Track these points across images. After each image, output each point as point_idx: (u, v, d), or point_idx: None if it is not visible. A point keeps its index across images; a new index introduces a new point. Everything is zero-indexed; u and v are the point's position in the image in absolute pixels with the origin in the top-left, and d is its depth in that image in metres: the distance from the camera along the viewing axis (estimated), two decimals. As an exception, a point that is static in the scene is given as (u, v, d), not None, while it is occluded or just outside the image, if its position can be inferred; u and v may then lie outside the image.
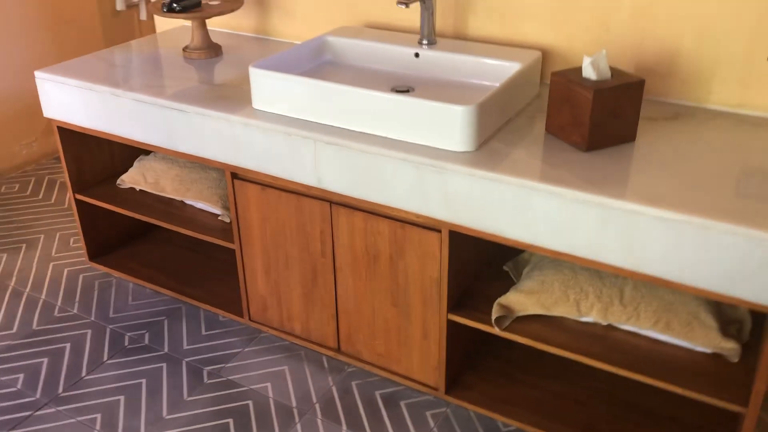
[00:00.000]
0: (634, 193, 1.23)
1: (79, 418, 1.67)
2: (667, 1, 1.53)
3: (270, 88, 1.56)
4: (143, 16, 3.24)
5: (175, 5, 1.86)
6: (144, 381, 1.78)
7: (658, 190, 1.24)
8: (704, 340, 1.38)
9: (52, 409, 1.69)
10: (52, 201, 2.62)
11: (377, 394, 1.72)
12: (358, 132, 1.48)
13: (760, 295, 1.16)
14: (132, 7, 3.21)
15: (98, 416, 1.67)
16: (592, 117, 1.35)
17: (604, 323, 1.46)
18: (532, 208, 1.31)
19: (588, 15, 1.64)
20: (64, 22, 2.91)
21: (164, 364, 1.83)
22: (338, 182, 1.51)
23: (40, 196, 2.66)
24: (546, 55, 1.72)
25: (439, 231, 1.45)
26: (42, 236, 2.40)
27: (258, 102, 1.60)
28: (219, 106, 1.62)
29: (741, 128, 1.48)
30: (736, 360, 1.36)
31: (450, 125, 1.38)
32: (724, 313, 1.45)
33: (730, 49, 1.51)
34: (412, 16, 1.86)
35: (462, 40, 1.80)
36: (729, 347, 1.36)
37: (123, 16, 3.21)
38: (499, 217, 1.35)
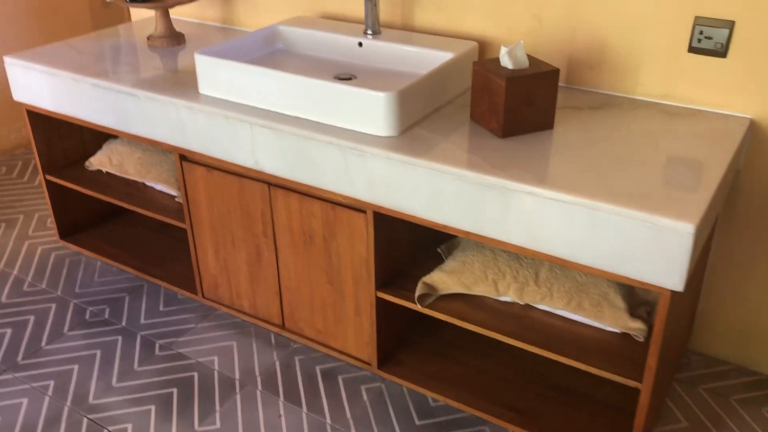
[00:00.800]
0: (533, 176, 1.30)
1: (34, 384, 1.76)
2: (594, -6, 1.59)
3: (213, 74, 1.64)
4: (132, 6, 3.33)
5: (136, -5, 1.95)
6: (98, 352, 1.87)
7: (560, 173, 1.30)
8: (613, 320, 1.43)
9: (9, 376, 1.79)
10: (36, 184, 2.73)
11: (317, 368, 1.80)
12: (292, 116, 1.56)
13: (645, 274, 1.22)
14: (122, -3, 3.31)
15: (51, 383, 1.77)
16: (506, 104, 1.42)
17: (522, 303, 1.52)
18: (442, 190, 1.37)
19: (524, 7, 1.70)
20: (52, 12, 3.02)
21: (119, 337, 1.92)
22: (274, 164, 1.59)
23: (25, 179, 2.77)
24: (486, 46, 1.78)
25: (365, 212, 1.53)
26: (21, 216, 2.51)
27: (203, 87, 1.68)
28: (167, 91, 1.70)
29: (660, 118, 1.53)
30: (642, 340, 1.42)
31: (374, 111, 1.45)
32: (636, 295, 1.50)
33: (654, 41, 1.56)
34: (362, 8, 1.92)
35: (408, 31, 1.87)
36: (636, 327, 1.42)
37: (112, 5, 3.31)
38: (414, 199, 1.42)
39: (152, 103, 1.72)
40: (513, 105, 1.42)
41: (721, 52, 1.50)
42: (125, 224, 2.32)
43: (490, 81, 1.44)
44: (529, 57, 1.48)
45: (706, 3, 1.48)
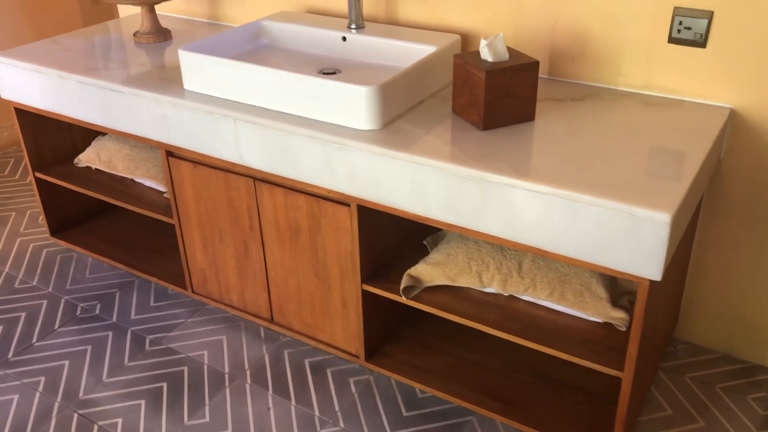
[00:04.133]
0: (511, 168, 1.31)
1: (25, 381, 1.78)
2: (575, -15, 1.60)
3: (197, 70, 1.65)
4: None
5: (121, -8, 1.95)
6: (89, 348, 1.89)
7: (538, 165, 1.31)
8: (595, 310, 1.45)
9: (0, 372, 1.81)
10: (27, 181, 2.74)
11: (306, 361, 1.82)
12: (275, 111, 1.56)
13: (624, 264, 1.23)
14: (111, -6, 3.31)
15: (42, 379, 1.78)
16: (486, 97, 1.42)
17: (505, 294, 1.53)
18: (423, 182, 1.38)
19: (505, 0, 1.70)
20: (42, 8, 3.02)
21: (110, 333, 1.94)
22: (258, 159, 1.60)
23: (17, 177, 2.78)
24: (469, 39, 1.79)
25: (348, 205, 1.54)
26: (13, 213, 2.52)
27: (188, 83, 1.69)
28: (152, 87, 1.71)
29: (641, 108, 1.54)
30: (624, 329, 1.43)
31: (356, 105, 1.46)
32: (619, 285, 1.51)
33: (635, 32, 1.57)
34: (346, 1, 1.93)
35: (392, 25, 1.87)
36: (618, 317, 1.43)
37: (101, 2, 3.31)
38: (396, 192, 1.43)
39: (137, 100, 1.73)
40: (493, 97, 1.43)
41: (701, 42, 1.51)
42: (115, 220, 2.33)
43: (470, 74, 1.45)
44: (510, 49, 1.48)
45: (686, -7, 1.49)
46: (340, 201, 1.55)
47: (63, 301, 2.07)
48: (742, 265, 1.68)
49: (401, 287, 1.56)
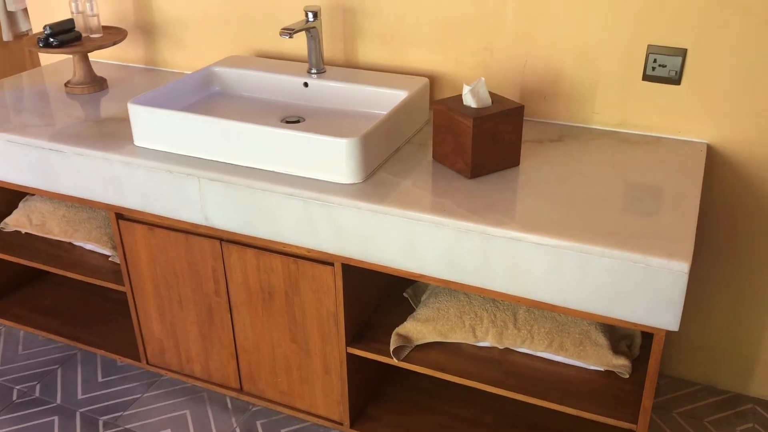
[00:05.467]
0: (514, 220, 1.24)
1: (-40, 485, 1.56)
2: (546, 24, 1.57)
3: (151, 125, 1.51)
4: (6, 36, 3.04)
5: (52, 40, 1.77)
6: (33, 438, 1.68)
7: (537, 215, 1.26)
8: (596, 358, 1.40)
9: (-71, 478, 1.57)
10: (-63, 246, 2.46)
11: (283, 432, 1.68)
12: (244, 167, 1.44)
13: (639, 315, 1.18)
14: (21, 36, 3.07)
15: (-19, 481, 1.57)
16: (474, 144, 1.36)
17: (501, 347, 1.46)
18: (417, 238, 1.30)
19: (472, 40, 1.65)
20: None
21: (56, 417, 1.73)
22: (226, 220, 1.47)
23: (-76, 242, 2.49)
24: (434, 80, 1.73)
25: (332, 264, 1.43)
26: (-76, 285, 2.24)
27: (139, 139, 1.54)
28: (99, 145, 1.55)
29: (621, 147, 1.52)
30: (627, 376, 1.38)
31: (335, 158, 1.36)
32: (615, 329, 1.47)
33: (608, 70, 1.56)
34: (301, 44, 1.83)
35: (352, 68, 1.79)
36: (620, 364, 1.38)
37: (12, 46, 3.06)
38: (387, 249, 1.34)
39: (82, 159, 1.56)
40: (480, 145, 1.37)
41: (675, 79, 1.51)
42: (47, 287, 2.11)
43: (454, 121, 1.38)
44: (490, 93, 1.43)
45: (658, 32, 1.48)
46: (322, 260, 1.44)
47: (-5, 384, 1.84)
48: (721, 295, 1.68)
49: (391, 348, 1.46)
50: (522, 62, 1.63)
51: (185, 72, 2.03)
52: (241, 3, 1.86)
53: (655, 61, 1.51)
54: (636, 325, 1.20)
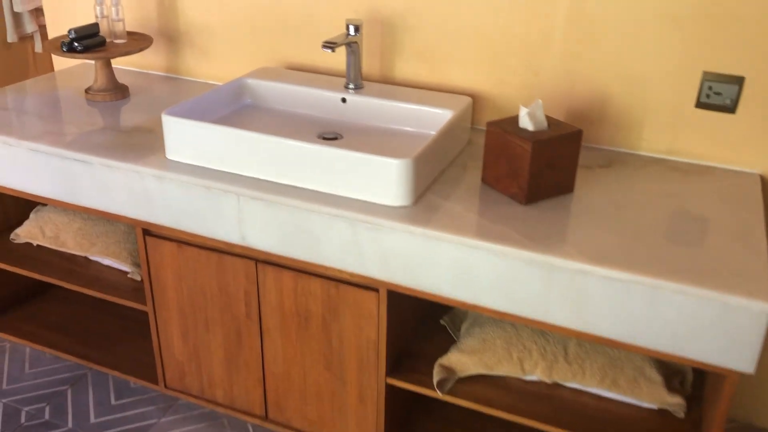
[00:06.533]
0: (578, 251, 1.18)
1: None
2: (596, 47, 1.52)
3: (186, 138, 1.43)
4: (38, 48, 3.01)
5: (76, 45, 1.69)
6: (44, 465, 1.58)
7: (602, 246, 1.20)
8: (650, 396, 1.34)
9: (-66, 507, 1.47)
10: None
11: (309, 463, 1.60)
12: (286, 185, 1.37)
13: (711, 355, 1.13)
14: (25, 38, 2.98)
15: None
16: (531, 169, 1.30)
17: (549, 381, 1.40)
18: (472, 267, 1.23)
19: (517, 60, 1.60)
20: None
21: (68, 443, 1.64)
22: (265, 240, 1.40)
23: None
24: (475, 99, 1.67)
25: (377, 290, 1.36)
26: None
27: (172, 152, 1.46)
28: (128, 157, 1.47)
29: (672, 176, 1.47)
30: (682, 415, 1.33)
31: (385, 179, 1.29)
32: (667, 365, 1.42)
33: (659, 96, 1.51)
34: (334, 57, 1.77)
35: (389, 84, 1.73)
36: (675, 402, 1.33)
37: (15, 48, 2.97)
38: (438, 277, 1.27)
39: (109, 171, 1.48)
40: (537, 170, 1.31)
41: (731, 107, 1.47)
42: (56, 302, 2.02)
43: (510, 144, 1.32)
44: (546, 116, 1.38)
45: (715, 58, 1.44)
46: (366, 285, 1.37)
47: (0, 405, 1.74)
48: None
49: (435, 380, 1.39)
50: (569, 85, 1.58)
51: (209, 82, 1.96)
52: (272, 13, 1.80)
53: (710, 88, 1.46)
54: (705, 365, 1.14)
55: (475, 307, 1.27)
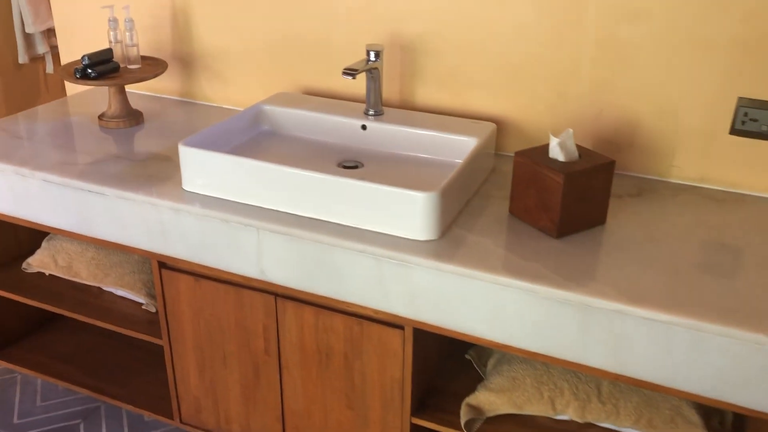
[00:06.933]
0: (615, 290, 1.13)
1: None
2: (626, 72, 1.47)
3: (203, 169, 1.39)
4: (49, 69, 2.98)
5: (90, 71, 1.66)
6: (57, 505, 1.53)
7: (639, 283, 1.15)
8: (688, 437, 1.28)
9: None
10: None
11: (330, 503, 1.54)
12: (307, 217, 1.33)
13: (757, 401, 1.07)
14: (36, 58, 2.95)
15: None
16: (563, 202, 1.25)
17: (582, 421, 1.34)
18: (503, 305, 1.18)
19: (544, 85, 1.56)
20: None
21: (81, 482, 1.59)
22: (285, 274, 1.35)
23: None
24: (498, 125, 1.62)
25: (402, 328, 1.31)
26: (-68, 324, 2.09)
27: (189, 183, 1.42)
28: (143, 188, 1.43)
29: (707, 205, 1.42)
30: (721, 458, 1.27)
31: (411, 213, 1.25)
32: (705, 404, 1.36)
33: (692, 122, 1.46)
34: (353, 82, 1.73)
35: (409, 109, 1.69)
36: (714, 444, 1.27)
37: (26, 68, 2.94)
38: (469, 315, 1.22)
39: (125, 203, 1.44)
40: (569, 202, 1.26)
41: (767, 134, 1.41)
42: (68, 332, 1.97)
43: (540, 176, 1.27)
44: (577, 146, 1.33)
45: (750, 84, 1.39)
46: (391, 323, 1.32)
47: (12, 440, 1.70)
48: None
49: (462, 421, 1.34)
50: (596, 110, 1.53)
51: (224, 106, 1.92)
52: (288, 37, 1.76)
53: (745, 114, 1.41)
54: (753, 411, 1.09)
55: (506, 347, 1.22)
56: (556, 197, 1.26)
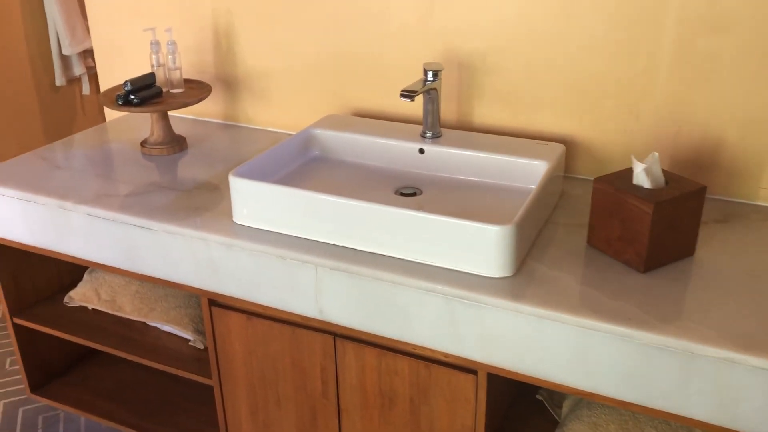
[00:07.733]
0: (719, 334, 1.01)
1: None
2: (707, 87, 1.36)
3: (255, 201, 1.30)
4: (86, 90, 2.94)
5: (132, 97, 1.59)
6: None
7: (745, 326, 1.03)
8: (795, 491, 1.15)
9: None
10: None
11: None
12: (369, 252, 1.23)
13: None
14: (73, 80, 2.92)
15: None
16: (652, 233, 1.14)
17: (672, 472, 1.23)
18: (590, 350, 1.07)
19: (614, 102, 1.45)
20: (-4, 103, 2.60)
21: None
22: (345, 313, 1.25)
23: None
24: (565, 145, 1.51)
25: (475, 373, 1.20)
26: (-28, 358, 2.05)
27: (241, 217, 1.34)
28: (192, 222, 1.35)
29: (804, 231, 1.30)
30: None
31: (483, 247, 1.14)
32: (809, 452, 1.23)
33: (781, 141, 1.34)
34: (407, 103, 1.64)
35: (467, 130, 1.59)
36: (825, 499, 1.14)
37: (63, 90, 2.91)
38: (550, 360, 1.11)
39: (173, 239, 1.36)
40: (658, 233, 1.15)
41: None
42: (110, 366, 1.90)
43: (624, 204, 1.16)
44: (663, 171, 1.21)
45: None
46: (462, 367, 1.21)
47: (56, 484, 1.62)
48: None
49: (541, 471, 1.23)
50: (674, 128, 1.42)
51: (269, 129, 1.84)
52: (336, 56, 1.67)
53: None
54: None
55: (593, 396, 1.11)
56: (643, 228, 1.15)
